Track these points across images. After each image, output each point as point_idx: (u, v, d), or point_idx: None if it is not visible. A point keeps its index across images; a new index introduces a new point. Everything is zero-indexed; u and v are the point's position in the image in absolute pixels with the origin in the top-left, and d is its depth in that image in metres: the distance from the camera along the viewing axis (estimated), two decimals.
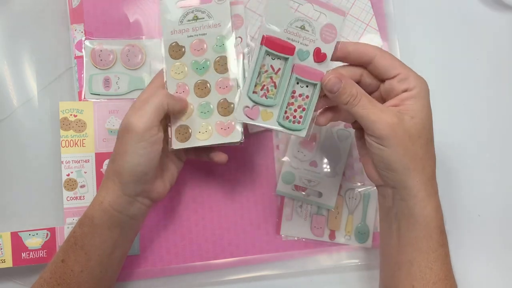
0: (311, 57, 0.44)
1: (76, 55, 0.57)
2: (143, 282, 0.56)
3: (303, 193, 0.58)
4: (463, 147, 0.61)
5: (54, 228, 0.54)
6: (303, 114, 0.45)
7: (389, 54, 0.45)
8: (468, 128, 0.62)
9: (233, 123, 0.49)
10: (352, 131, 0.58)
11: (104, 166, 0.56)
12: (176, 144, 0.49)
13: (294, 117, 0.45)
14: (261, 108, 0.45)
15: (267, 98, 0.45)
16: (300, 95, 0.45)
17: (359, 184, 0.59)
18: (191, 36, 0.50)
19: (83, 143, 0.55)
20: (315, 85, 0.44)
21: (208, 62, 0.50)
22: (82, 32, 0.57)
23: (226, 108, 0.50)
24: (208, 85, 0.50)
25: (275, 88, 0.45)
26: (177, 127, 0.50)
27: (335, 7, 0.43)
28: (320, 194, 0.58)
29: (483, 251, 0.60)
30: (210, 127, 0.49)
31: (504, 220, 0.61)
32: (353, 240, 0.58)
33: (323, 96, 0.45)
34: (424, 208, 0.44)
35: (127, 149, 0.45)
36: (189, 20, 0.50)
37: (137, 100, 0.48)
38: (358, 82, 0.45)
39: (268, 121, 0.45)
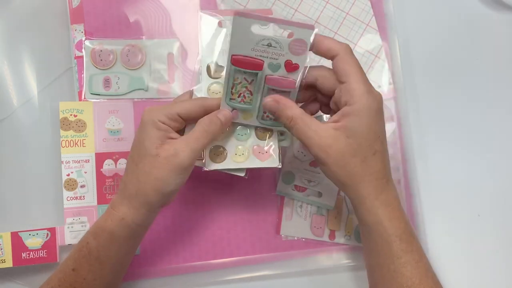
0: (282, 69, 0.46)
1: (76, 55, 0.57)
2: (143, 282, 0.56)
3: (303, 193, 0.58)
4: (462, 147, 0.61)
5: (54, 228, 0.54)
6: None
7: (350, 58, 0.44)
8: (468, 128, 0.62)
9: (272, 146, 0.49)
10: None
11: (105, 166, 0.56)
12: (210, 165, 0.49)
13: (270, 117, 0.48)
14: (240, 111, 0.48)
15: (245, 104, 0.47)
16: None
17: None
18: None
19: (83, 143, 0.55)
20: (289, 92, 0.47)
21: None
22: (82, 32, 0.57)
23: (265, 131, 0.49)
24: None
25: (251, 95, 0.47)
26: (213, 147, 0.49)
27: (302, 23, 0.44)
28: (320, 194, 0.58)
29: (483, 251, 0.60)
30: (247, 150, 0.49)
31: (504, 220, 0.61)
32: (353, 240, 0.58)
33: (304, 89, 0.48)
34: (375, 218, 0.45)
35: (168, 179, 0.44)
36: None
37: (156, 120, 0.45)
38: (314, 85, 0.47)
39: (248, 120, 0.48)
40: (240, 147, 0.49)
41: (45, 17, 0.58)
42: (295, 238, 0.58)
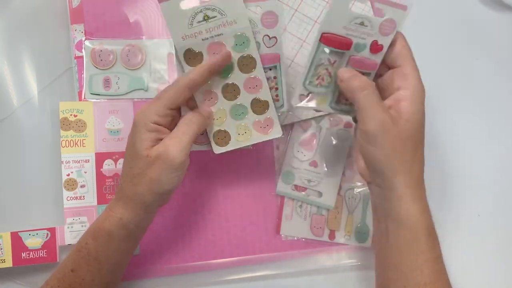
0: (367, 49, 0.45)
1: (76, 55, 0.57)
2: (143, 282, 0.56)
3: (303, 193, 0.58)
4: (463, 147, 0.61)
5: (54, 228, 0.54)
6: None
7: (406, 43, 0.45)
8: (468, 128, 0.62)
9: (273, 119, 0.49)
10: (352, 131, 0.58)
11: (105, 166, 0.56)
12: (218, 149, 0.50)
13: (347, 100, 0.48)
14: (315, 95, 0.47)
15: (321, 87, 0.47)
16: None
17: (359, 184, 0.59)
18: (205, 39, 0.46)
19: (83, 143, 0.56)
20: (369, 73, 0.46)
21: (232, 64, 0.47)
22: (82, 32, 0.57)
23: (260, 106, 0.49)
24: (236, 86, 0.49)
25: (330, 77, 0.47)
26: (215, 132, 0.50)
27: (396, 3, 0.44)
28: (320, 194, 0.58)
29: (483, 251, 0.60)
30: (248, 128, 0.50)
31: (504, 220, 0.61)
32: (353, 240, 0.58)
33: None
34: (408, 210, 0.44)
35: (161, 178, 0.44)
36: (199, 22, 0.45)
37: (147, 121, 0.45)
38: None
39: (321, 106, 0.48)
40: (240, 126, 0.50)
41: (45, 17, 0.58)
42: (295, 238, 0.58)
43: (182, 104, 0.47)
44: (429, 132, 0.61)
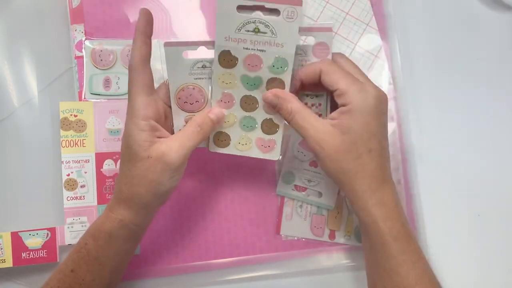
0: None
1: (76, 55, 0.57)
2: (143, 282, 0.56)
3: (303, 193, 0.58)
4: (462, 147, 0.61)
5: (54, 228, 0.54)
6: None
7: (334, 68, 0.46)
8: (468, 128, 0.62)
9: (275, 142, 0.50)
10: None
11: (105, 166, 0.56)
12: (213, 148, 0.51)
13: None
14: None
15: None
16: (312, 105, 0.50)
17: None
18: (247, 49, 0.46)
19: (83, 143, 0.56)
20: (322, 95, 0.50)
21: (260, 80, 0.48)
22: (82, 32, 0.57)
23: (271, 127, 0.50)
24: (256, 101, 0.49)
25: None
26: (217, 132, 0.50)
27: (321, 27, 0.47)
28: (320, 194, 0.58)
29: (483, 251, 0.60)
30: (251, 141, 0.50)
31: (504, 220, 0.61)
32: (353, 240, 0.58)
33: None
34: (366, 217, 0.45)
35: (161, 180, 0.44)
36: (248, 31, 0.45)
37: (138, 121, 0.45)
38: (318, 82, 0.47)
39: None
40: (244, 137, 0.50)
41: (45, 17, 0.58)
42: (295, 238, 0.58)
43: (151, 83, 0.46)
44: (429, 132, 0.61)
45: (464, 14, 0.64)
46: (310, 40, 0.48)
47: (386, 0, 0.61)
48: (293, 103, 0.46)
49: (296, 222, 0.58)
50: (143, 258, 0.56)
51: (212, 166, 0.58)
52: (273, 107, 0.48)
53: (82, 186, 0.55)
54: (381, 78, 0.60)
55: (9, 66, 0.57)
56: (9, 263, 0.53)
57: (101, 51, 0.57)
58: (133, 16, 0.58)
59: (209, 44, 0.46)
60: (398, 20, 0.61)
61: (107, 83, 0.57)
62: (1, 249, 0.53)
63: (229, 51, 0.46)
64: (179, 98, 0.49)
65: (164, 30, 0.58)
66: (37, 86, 0.57)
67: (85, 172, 0.55)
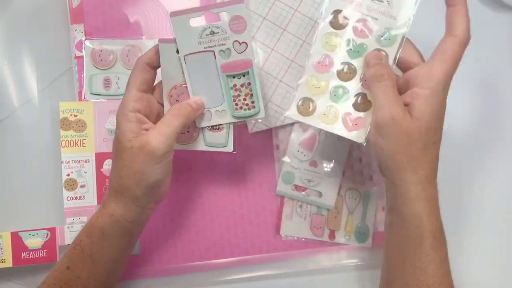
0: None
1: (76, 55, 0.57)
2: (143, 282, 0.56)
3: (303, 193, 0.58)
4: (462, 147, 0.61)
5: (54, 228, 0.54)
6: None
7: (455, 46, 0.45)
8: (468, 128, 0.62)
9: (364, 121, 0.46)
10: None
11: (105, 166, 0.56)
12: (295, 115, 0.47)
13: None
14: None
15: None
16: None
17: (358, 184, 0.59)
18: (361, 13, 0.45)
19: (83, 143, 0.56)
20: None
21: (365, 49, 0.46)
22: (82, 32, 0.57)
23: (363, 104, 0.46)
24: (355, 71, 0.46)
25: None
26: (303, 98, 0.47)
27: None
28: (320, 194, 0.58)
29: (483, 251, 0.60)
30: (337, 114, 0.47)
31: (504, 220, 0.61)
32: (353, 240, 0.58)
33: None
34: (413, 210, 0.44)
35: (145, 170, 0.44)
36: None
37: (126, 111, 0.46)
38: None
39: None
40: (331, 107, 0.47)
41: (45, 17, 0.58)
42: (295, 238, 0.58)
43: (149, 84, 0.48)
44: None
45: None
46: (224, 16, 0.47)
47: None
48: (389, 69, 0.45)
49: (296, 222, 0.58)
50: (143, 258, 0.56)
51: (211, 166, 0.58)
52: (367, 63, 0.45)
53: (82, 186, 0.55)
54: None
55: (9, 66, 0.57)
56: (9, 263, 0.53)
57: (101, 51, 0.57)
58: (133, 16, 0.58)
59: (215, 6, 0.45)
60: None
61: (107, 83, 0.57)
62: (1, 249, 0.53)
63: (341, 11, 0.45)
64: (171, 96, 0.49)
65: (164, 30, 0.58)
66: (37, 86, 0.57)
67: (85, 172, 0.55)
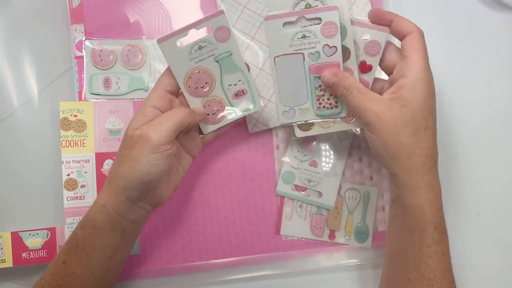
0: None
1: (76, 55, 0.57)
2: (143, 282, 0.56)
3: (303, 193, 0.58)
4: (462, 147, 0.61)
5: (54, 228, 0.54)
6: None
7: (421, 40, 0.47)
8: (468, 128, 0.62)
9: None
10: (351, 131, 0.58)
11: (105, 166, 0.56)
12: (300, 133, 0.53)
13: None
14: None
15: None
16: None
17: (358, 184, 0.59)
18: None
19: (83, 143, 0.56)
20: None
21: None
22: (82, 32, 0.57)
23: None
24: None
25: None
26: (301, 123, 0.53)
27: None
28: (320, 194, 0.58)
29: (483, 251, 0.60)
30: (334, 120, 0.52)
31: (504, 220, 0.61)
32: (352, 240, 0.58)
33: None
34: (413, 199, 0.44)
35: (140, 158, 0.45)
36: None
37: (146, 106, 0.47)
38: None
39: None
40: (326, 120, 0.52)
41: (45, 17, 0.58)
42: (295, 238, 0.58)
43: (176, 87, 0.49)
44: None
45: (464, 14, 0.64)
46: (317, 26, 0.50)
47: (386, 0, 0.61)
48: (350, 79, 0.47)
49: (296, 222, 0.58)
50: (143, 258, 0.56)
51: (211, 166, 0.58)
52: (330, 87, 0.49)
53: (82, 186, 0.55)
54: (381, 77, 0.60)
55: (9, 66, 0.57)
56: (9, 263, 0.53)
57: (101, 51, 0.57)
58: (133, 16, 0.58)
59: (197, 24, 0.48)
60: None
61: (107, 83, 0.57)
62: (1, 249, 0.53)
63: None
64: (189, 86, 0.50)
65: (164, 30, 0.58)
66: (37, 86, 0.57)
67: (85, 172, 0.55)
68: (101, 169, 0.56)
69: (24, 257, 0.53)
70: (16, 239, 0.53)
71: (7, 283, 0.55)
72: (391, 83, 0.48)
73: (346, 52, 0.50)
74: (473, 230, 0.60)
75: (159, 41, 0.48)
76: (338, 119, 0.52)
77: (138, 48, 0.57)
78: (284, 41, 0.49)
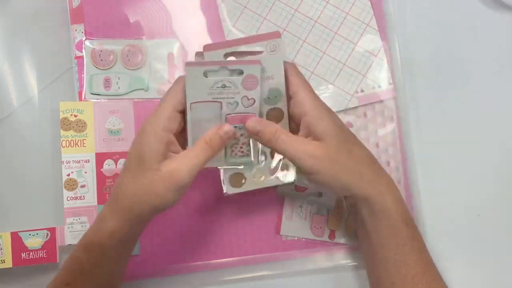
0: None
1: (76, 55, 0.57)
2: (143, 282, 0.56)
3: (303, 193, 0.58)
4: (462, 147, 0.61)
5: (54, 228, 0.54)
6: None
7: (295, 71, 0.48)
8: (468, 128, 0.62)
9: (286, 165, 0.53)
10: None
11: (105, 166, 0.56)
12: (231, 190, 0.53)
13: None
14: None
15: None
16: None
17: None
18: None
19: (83, 143, 0.56)
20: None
21: (261, 115, 0.51)
22: (82, 32, 0.57)
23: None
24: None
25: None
26: (232, 174, 0.53)
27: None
28: (320, 194, 0.58)
29: (483, 251, 0.60)
30: (264, 172, 0.53)
31: (504, 220, 0.61)
32: (353, 240, 0.58)
33: None
34: (379, 205, 0.45)
35: (163, 195, 0.43)
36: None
37: (157, 129, 0.44)
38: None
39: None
40: (257, 170, 0.52)
41: (45, 17, 0.58)
42: (295, 238, 0.58)
43: (182, 102, 0.47)
44: (429, 132, 0.61)
45: (464, 14, 0.64)
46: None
47: (386, 0, 0.61)
48: (276, 125, 0.47)
49: (296, 222, 0.58)
50: (143, 258, 0.56)
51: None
52: (256, 134, 0.47)
53: (82, 186, 0.55)
54: (381, 78, 0.60)
55: (9, 66, 0.57)
56: (9, 264, 0.53)
57: (101, 51, 0.57)
58: (133, 16, 0.58)
59: (231, 63, 0.47)
60: (398, 20, 0.61)
61: (107, 83, 0.57)
62: (1, 249, 0.53)
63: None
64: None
65: (164, 30, 0.58)
66: (37, 86, 0.57)
67: (85, 172, 0.55)
68: (101, 169, 0.56)
69: (23, 257, 0.53)
70: (16, 239, 0.53)
71: (7, 283, 0.55)
72: (305, 128, 0.47)
73: (279, 114, 0.51)
74: (473, 230, 0.60)
75: (188, 64, 0.46)
76: (267, 173, 0.52)
77: (138, 48, 0.57)
78: (203, 89, 0.47)
